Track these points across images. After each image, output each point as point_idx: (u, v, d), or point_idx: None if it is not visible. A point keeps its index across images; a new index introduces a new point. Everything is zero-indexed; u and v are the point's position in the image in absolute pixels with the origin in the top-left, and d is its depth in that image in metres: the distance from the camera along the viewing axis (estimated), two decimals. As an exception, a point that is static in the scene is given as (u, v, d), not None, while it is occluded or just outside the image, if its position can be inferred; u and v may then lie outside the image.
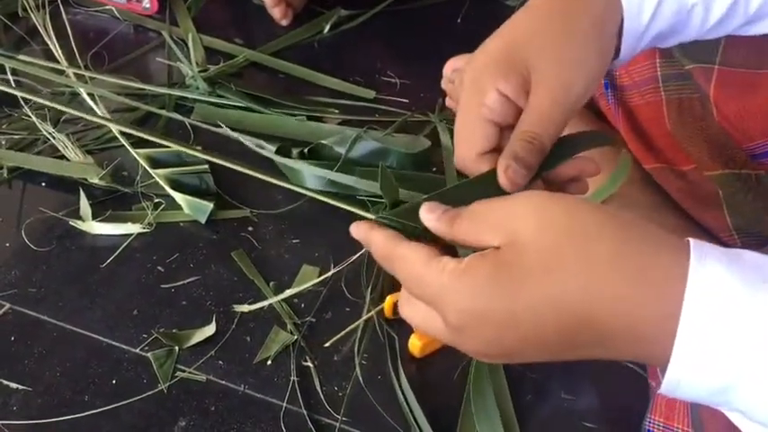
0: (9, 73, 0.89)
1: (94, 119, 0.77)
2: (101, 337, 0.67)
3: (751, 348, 0.33)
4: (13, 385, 0.63)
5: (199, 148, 0.81)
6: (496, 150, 0.47)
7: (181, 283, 0.71)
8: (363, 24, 1.06)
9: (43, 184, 0.80)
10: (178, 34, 1.00)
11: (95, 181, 0.78)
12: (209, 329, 0.67)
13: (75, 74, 0.87)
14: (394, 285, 0.71)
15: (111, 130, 0.83)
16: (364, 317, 0.69)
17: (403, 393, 0.64)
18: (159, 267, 0.72)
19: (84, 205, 0.75)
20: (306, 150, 0.82)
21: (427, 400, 0.64)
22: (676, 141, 0.67)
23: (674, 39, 0.54)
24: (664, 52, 0.67)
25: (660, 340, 0.34)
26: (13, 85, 0.87)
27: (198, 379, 0.64)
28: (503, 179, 0.45)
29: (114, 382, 0.64)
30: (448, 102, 0.84)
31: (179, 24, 1.02)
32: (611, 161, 0.71)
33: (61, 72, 0.88)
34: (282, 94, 0.92)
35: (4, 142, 0.83)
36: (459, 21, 1.09)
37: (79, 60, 0.90)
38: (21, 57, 0.91)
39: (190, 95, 0.89)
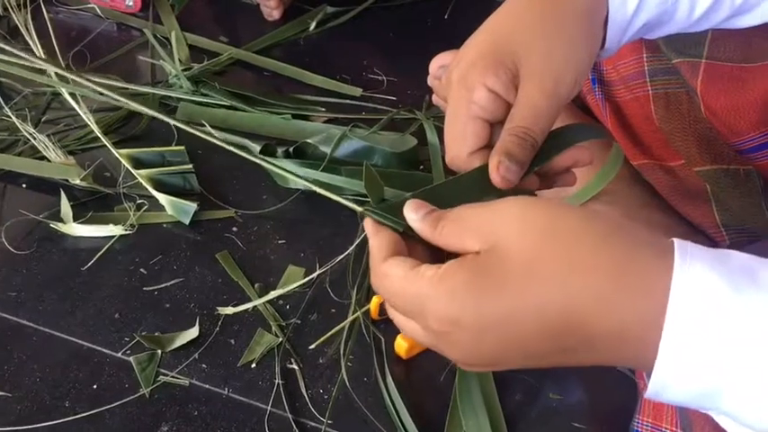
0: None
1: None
2: (82, 342, 0.66)
3: (737, 351, 0.32)
4: (-7, 391, 0.62)
5: (182, 147, 0.81)
6: (488, 147, 0.47)
7: (164, 285, 0.70)
8: (350, 21, 1.05)
9: (24, 185, 0.79)
10: (162, 32, 0.99)
11: (77, 182, 0.77)
12: (193, 332, 0.66)
13: (56, 73, 0.85)
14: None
15: (93, 130, 0.82)
16: (350, 318, 0.68)
17: (389, 395, 0.63)
18: (142, 269, 0.71)
19: (65, 207, 0.74)
20: (291, 149, 0.81)
21: (414, 402, 0.63)
22: (664, 137, 0.66)
23: (659, 30, 0.53)
24: (650, 47, 0.66)
25: (645, 344, 0.33)
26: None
27: (181, 383, 0.63)
28: (495, 177, 0.44)
29: (95, 386, 0.62)
30: (434, 99, 0.83)
31: (163, 22, 1.00)
32: (602, 155, 0.71)
33: (42, 72, 0.86)
34: (268, 93, 0.91)
35: (-16, 143, 0.82)
36: (446, 17, 1.08)
37: (60, 59, 0.88)
38: (1, 56, 0.90)
39: (173, 94, 0.88)
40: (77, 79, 0.84)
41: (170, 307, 0.68)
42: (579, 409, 0.64)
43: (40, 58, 0.81)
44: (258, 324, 0.68)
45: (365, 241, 0.55)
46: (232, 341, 0.66)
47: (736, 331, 0.32)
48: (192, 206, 0.74)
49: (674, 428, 0.51)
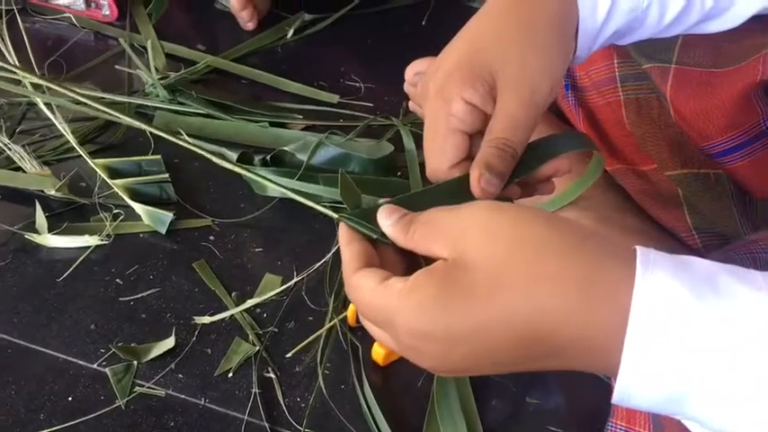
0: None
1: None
2: (57, 354, 0.65)
3: (699, 357, 0.33)
4: (-33, 405, 0.61)
5: (158, 156, 0.81)
6: (468, 159, 0.47)
7: (140, 295, 0.70)
8: (327, 28, 1.05)
9: (-2, 196, 0.78)
10: (139, 41, 0.99)
11: (52, 192, 0.77)
12: (169, 343, 0.65)
13: (31, 83, 0.85)
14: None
15: (69, 141, 0.81)
16: (327, 325, 0.68)
17: (366, 402, 0.63)
18: (118, 280, 0.71)
19: (41, 218, 0.74)
20: (268, 157, 0.81)
21: (392, 408, 0.63)
22: (636, 142, 0.67)
23: (630, 37, 0.54)
24: (621, 52, 0.67)
25: (610, 351, 0.34)
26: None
27: (157, 394, 0.63)
28: (476, 189, 0.45)
29: (71, 399, 0.62)
30: (411, 105, 0.84)
31: (140, 31, 1.00)
32: (581, 162, 0.71)
33: (18, 82, 0.86)
34: (245, 101, 0.91)
35: (-42, 155, 0.81)
36: (423, 23, 1.08)
37: (36, 69, 0.88)
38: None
39: (150, 103, 0.88)
40: (54, 88, 0.84)
41: (146, 317, 0.68)
42: (556, 413, 0.65)
43: (16, 68, 0.81)
44: (235, 333, 0.68)
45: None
46: (209, 350, 0.66)
47: (698, 337, 0.33)
48: (169, 215, 0.74)
49: (645, 431, 0.52)
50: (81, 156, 0.79)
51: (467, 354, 0.36)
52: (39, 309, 0.68)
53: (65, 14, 1.01)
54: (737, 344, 0.32)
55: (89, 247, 0.73)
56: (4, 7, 0.94)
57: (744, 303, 0.33)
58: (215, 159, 0.80)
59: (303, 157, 0.79)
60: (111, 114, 0.84)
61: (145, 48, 0.95)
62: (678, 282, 0.33)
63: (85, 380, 0.63)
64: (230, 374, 0.65)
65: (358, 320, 0.68)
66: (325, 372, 0.65)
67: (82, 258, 0.72)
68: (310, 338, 0.67)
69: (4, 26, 0.88)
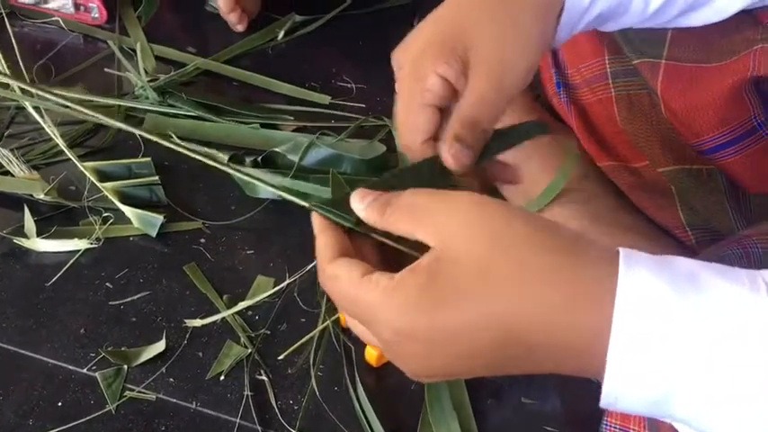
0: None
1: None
2: (46, 358, 0.64)
3: (684, 355, 0.32)
4: (-45, 412, 0.61)
5: (148, 159, 0.80)
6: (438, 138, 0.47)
7: (130, 299, 0.69)
8: (318, 30, 1.05)
9: (-13, 201, 0.78)
10: (129, 44, 0.98)
11: (41, 196, 0.76)
12: (159, 346, 0.65)
13: (20, 87, 0.84)
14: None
15: (58, 144, 0.81)
16: (319, 327, 0.68)
17: (360, 404, 0.63)
18: (108, 284, 0.70)
19: (29, 222, 0.73)
20: (259, 159, 0.81)
21: (385, 410, 0.62)
22: (628, 138, 0.66)
23: (613, 23, 0.53)
24: (612, 49, 0.66)
25: (595, 353, 0.33)
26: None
27: (148, 398, 0.62)
28: (448, 159, 0.44)
29: (60, 404, 0.61)
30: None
31: (129, 34, 1.00)
32: (561, 155, 0.71)
33: (6, 86, 0.85)
34: (236, 102, 0.91)
35: (-54, 160, 0.81)
36: (414, 22, 1.08)
37: (25, 73, 0.87)
38: (-36, 71, 0.89)
39: (139, 106, 0.87)
40: (41, 93, 0.83)
41: (137, 321, 0.68)
42: (551, 413, 0.64)
43: (3, 73, 0.80)
44: (227, 336, 0.67)
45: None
46: (200, 354, 0.66)
47: (682, 334, 0.32)
48: (159, 218, 0.74)
49: (640, 430, 0.51)
50: (70, 159, 0.78)
51: (447, 355, 0.36)
52: (28, 314, 0.68)
53: (54, 18, 1.00)
54: (720, 339, 0.32)
55: (78, 250, 0.72)
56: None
57: (725, 298, 0.32)
58: (206, 161, 0.80)
59: (294, 158, 0.79)
60: (99, 118, 0.83)
61: (134, 50, 0.95)
62: (660, 280, 0.33)
63: (75, 385, 0.63)
64: (222, 377, 0.64)
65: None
66: (318, 374, 0.65)
67: (71, 262, 0.71)
68: (303, 340, 0.66)
69: (-7, 30, 0.88)
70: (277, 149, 0.80)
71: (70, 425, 0.60)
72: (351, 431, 0.61)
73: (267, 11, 1.06)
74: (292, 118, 0.89)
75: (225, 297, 0.70)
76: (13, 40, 0.86)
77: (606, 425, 0.53)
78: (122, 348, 0.65)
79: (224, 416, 0.61)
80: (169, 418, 0.61)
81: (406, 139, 0.47)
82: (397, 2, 1.11)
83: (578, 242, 0.35)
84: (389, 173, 0.47)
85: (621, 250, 0.34)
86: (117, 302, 0.69)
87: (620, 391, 0.33)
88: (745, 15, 0.56)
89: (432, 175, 0.45)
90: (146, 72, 0.90)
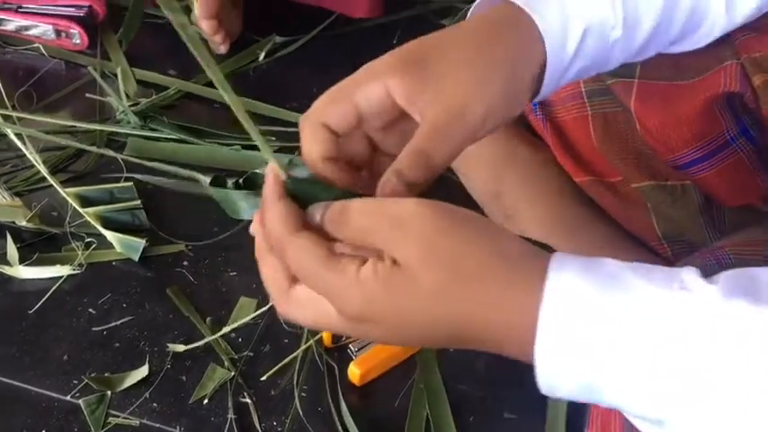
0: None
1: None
2: (29, 386, 0.65)
3: (607, 348, 0.35)
4: (-63, 442, 0.61)
5: (130, 183, 0.80)
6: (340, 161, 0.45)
7: (113, 324, 0.69)
8: (299, 50, 1.05)
9: (-31, 229, 0.78)
10: (110, 68, 0.98)
11: (23, 223, 0.76)
12: (142, 371, 0.65)
13: (1, 114, 0.85)
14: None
15: (40, 171, 0.81)
16: (303, 347, 0.68)
17: (343, 424, 0.63)
18: (91, 309, 0.70)
19: (12, 249, 0.73)
20: (241, 180, 0.81)
21: (369, 428, 0.63)
22: (604, 155, 0.67)
23: (596, 71, 0.53)
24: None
25: (529, 347, 0.36)
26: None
27: (131, 423, 0.62)
28: (378, 192, 0.43)
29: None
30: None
31: (111, 58, 1.00)
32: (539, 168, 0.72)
33: (-12, 114, 0.86)
34: (218, 125, 0.91)
35: (-72, 188, 0.81)
36: (394, 42, 1.09)
37: (6, 100, 0.88)
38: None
39: (121, 130, 0.88)
40: (27, 117, 0.84)
41: (120, 346, 0.68)
42: (534, 428, 0.65)
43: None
44: (210, 359, 0.67)
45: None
46: (183, 377, 0.66)
47: (603, 330, 0.35)
48: (141, 242, 0.74)
49: (619, 442, 0.52)
50: (52, 185, 0.78)
51: (406, 336, 0.40)
52: (10, 341, 0.68)
53: (35, 45, 1.01)
54: (637, 332, 0.35)
55: (61, 277, 0.72)
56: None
57: (643, 295, 0.35)
58: (187, 186, 0.81)
59: (275, 179, 0.79)
60: (80, 144, 0.84)
61: (116, 75, 0.95)
62: (584, 281, 0.36)
63: (59, 412, 0.63)
64: (205, 401, 0.64)
65: (334, 341, 0.68)
66: (302, 394, 0.65)
67: (54, 289, 0.72)
68: (285, 361, 0.66)
69: (-26, 58, 0.88)
70: (258, 170, 0.80)
71: (54, 452, 0.60)
72: (335, 451, 0.61)
73: (248, 32, 1.07)
74: (274, 138, 0.90)
75: (208, 319, 0.70)
76: (-5, 68, 0.87)
77: (586, 439, 0.54)
78: (106, 374, 0.65)
79: (208, 439, 0.62)
80: (153, 443, 0.61)
81: (306, 148, 0.46)
82: (377, 21, 1.12)
83: (520, 252, 0.38)
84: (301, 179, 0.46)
85: (554, 255, 0.38)
86: (100, 328, 0.69)
87: (552, 382, 0.37)
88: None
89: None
90: (127, 96, 0.91)
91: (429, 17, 1.15)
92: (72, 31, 1.00)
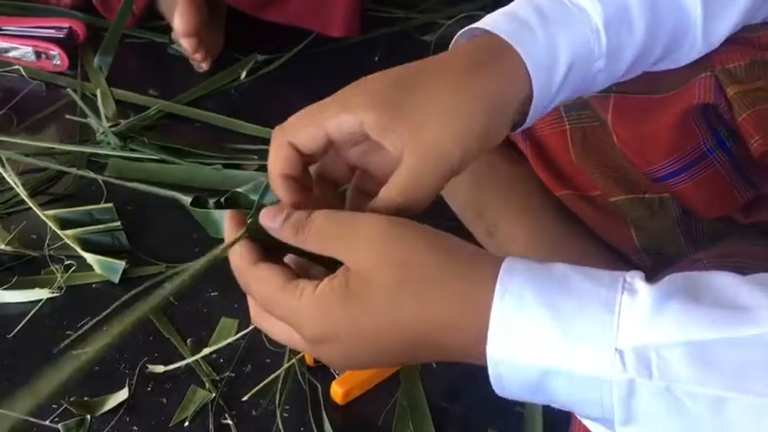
0: None
1: None
2: (7, 412, 0.63)
3: (553, 348, 0.36)
4: None
5: (110, 204, 0.80)
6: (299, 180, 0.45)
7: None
8: (280, 68, 1.06)
9: (-53, 253, 0.77)
10: (90, 89, 0.98)
11: (2, 246, 0.76)
12: (122, 395, 0.64)
13: (-20, 137, 0.84)
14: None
15: (19, 193, 0.81)
16: (284, 366, 0.67)
17: (326, 443, 0.62)
18: (70, 332, 0.70)
19: (-11, 273, 0.72)
20: (222, 199, 0.81)
21: (352, 448, 0.62)
22: (582, 169, 0.67)
23: (577, 96, 0.53)
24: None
25: (480, 349, 0.38)
26: None
27: (111, 448, 0.62)
28: None
29: (22, 458, 0.61)
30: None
31: (91, 79, 1.00)
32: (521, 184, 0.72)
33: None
34: (199, 144, 0.91)
35: None
36: (376, 59, 1.09)
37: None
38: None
39: (101, 151, 0.88)
40: (6, 140, 0.83)
41: (100, 369, 0.67)
42: (518, 444, 0.64)
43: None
44: (191, 380, 0.67)
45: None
46: (164, 400, 0.65)
47: (551, 329, 0.37)
48: (121, 264, 0.74)
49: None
50: (32, 208, 0.78)
51: (368, 353, 0.41)
52: (-12, 366, 0.67)
53: (15, 66, 1.00)
54: (578, 331, 0.36)
55: (40, 300, 0.72)
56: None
57: (586, 296, 0.37)
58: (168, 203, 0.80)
59: (256, 197, 0.79)
60: (60, 166, 0.84)
61: (96, 96, 0.95)
62: (533, 282, 0.38)
63: (37, 438, 0.62)
64: (186, 423, 0.64)
65: (316, 360, 0.68)
66: (284, 414, 0.65)
67: (33, 312, 0.71)
68: (267, 380, 0.66)
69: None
70: (239, 189, 0.80)
71: (32, 479, 0.59)
72: (318, 472, 0.61)
73: (230, 50, 1.07)
74: (256, 157, 0.90)
75: (189, 341, 0.70)
76: (-26, 91, 0.87)
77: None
78: (85, 398, 0.65)
79: (189, 462, 0.61)
80: (133, 467, 0.60)
81: (269, 159, 0.45)
82: (359, 38, 1.12)
83: (472, 257, 0.40)
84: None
85: (506, 258, 0.39)
86: (79, 351, 0.68)
87: (503, 381, 0.38)
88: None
89: None
90: (107, 117, 0.91)
91: (411, 33, 1.16)
92: (52, 52, 1.00)
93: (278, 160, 0.44)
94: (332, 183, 0.48)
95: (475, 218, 0.76)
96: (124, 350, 0.69)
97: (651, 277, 0.39)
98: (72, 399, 0.64)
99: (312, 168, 0.47)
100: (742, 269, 0.53)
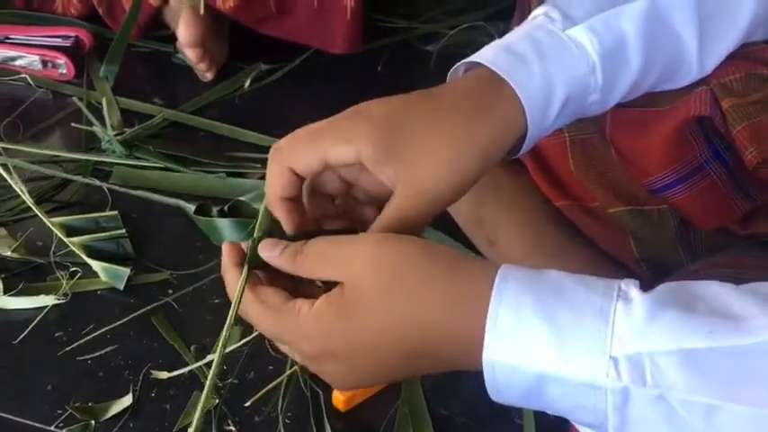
0: None
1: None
2: (13, 417, 0.64)
3: (547, 353, 0.37)
4: None
5: (115, 212, 0.81)
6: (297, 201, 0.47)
7: (98, 353, 0.70)
8: (284, 77, 1.07)
9: (-46, 259, 0.78)
10: (96, 98, 0.99)
11: (8, 253, 0.77)
12: (126, 400, 0.65)
13: (-13, 145, 0.86)
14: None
15: (25, 200, 0.81)
16: (287, 373, 0.68)
17: (328, 450, 0.63)
18: (75, 339, 0.71)
19: (-4, 280, 0.73)
20: (226, 208, 0.82)
21: (354, 455, 0.63)
22: (581, 180, 0.68)
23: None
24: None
25: (475, 352, 0.39)
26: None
27: (115, 453, 0.62)
28: None
29: (27, 463, 0.61)
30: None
31: (96, 88, 1.01)
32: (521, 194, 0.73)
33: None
34: (203, 152, 0.92)
35: None
36: (379, 68, 1.10)
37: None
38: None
39: (106, 159, 0.89)
40: (13, 147, 0.84)
41: (104, 375, 0.68)
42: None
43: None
44: (195, 386, 0.67)
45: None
46: (168, 406, 0.66)
47: (546, 335, 0.37)
48: (126, 271, 0.74)
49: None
50: (38, 215, 0.79)
51: (366, 367, 0.42)
52: (-6, 372, 0.68)
53: (21, 75, 1.02)
54: (573, 337, 0.37)
55: (46, 306, 0.73)
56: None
57: (580, 303, 0.38)
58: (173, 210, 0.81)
59: (259, 205, 0.80)
60: (66, 174, 0.85)
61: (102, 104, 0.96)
62: (527, 290, 0.38)
63: (42, 443, 0.63)
64: (190, 430, 0.64)
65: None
66: (286, 420, 0.65)
67: (38, 319, 0.72)
68: (269, 387, 0.67)
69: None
70: (242, 198, 0.81)
71: (37, 484, 0.60)
72: (319, 478, 0.62)
73: (234, 60, 1.08)
74: (259, 166, 0.91)
75: (193, 347, 0.71)
76: (-19, 99, 0.88)
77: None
78: (90, 404, 0.65)
79: (192, 468, 0.62)
80: (136, 472, 0.61)
81: (267, 181, 0.47)
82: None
83: (465, 265, 0.41)
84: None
85: (502, 266, 0.40)
86: (84, 357, 0.69)
87: (498, 387, 0.39)
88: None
89: None
90: (112, 126, 0.92)
91: (413, 43, 1.17)
92: (58, 61, 1.01)
93: (278, 185, 0.46)
94: (325, 195, 0.50)
95: (476, 228, 0.77)
96: (128, 357, 0.70)
97: (648, 287, 0.40)
98: (76, 404, 0.65)
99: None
100: (739, 280, 0.54)
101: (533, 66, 0.47)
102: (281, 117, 1.00)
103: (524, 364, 0.38)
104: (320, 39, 1.04)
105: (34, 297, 0.73)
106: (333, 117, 0.47)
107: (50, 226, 0.78)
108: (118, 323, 0.72)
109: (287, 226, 0.47)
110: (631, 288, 0.38)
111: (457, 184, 0.45)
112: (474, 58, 0.49)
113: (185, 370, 0.68)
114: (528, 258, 0.72)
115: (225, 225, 0.80)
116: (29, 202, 0.79)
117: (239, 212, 0.82)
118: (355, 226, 0.49)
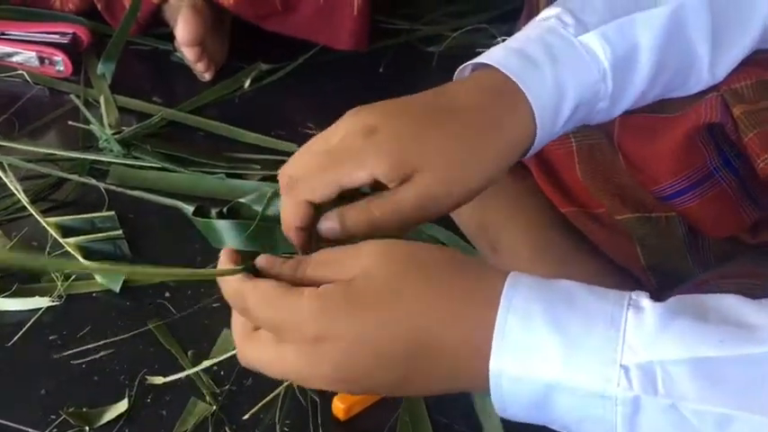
0: None
1: None
2: (6, 422, 0.63)
3: (556, 365, 0.36)
4: None
5: (112, 212, 0.80)
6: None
7: (92, 357, 0.68)
8: (284, 78, 1.06)
9: (-53, 259, 0.76)
10: (94, 96, 0.98)
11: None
12: (122, 406, 0.64)
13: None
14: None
15: (20, 199, 0.80)
16: (286, 381, 0.67)
17: (327, 460, 0.62)
18: (70, 342, 0.69)
19: (-10, 280, 0.72)
20: (224, 209, 0.81)
21: (354, 465, 0.62)
22: (587, 187, 0.67)
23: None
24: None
25: (482, 360, 0.38)
26: None
27: (109, 460, 0.61)
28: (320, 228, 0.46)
29: (19, 469, 0.60)
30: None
31: (94, 86, 1.00)
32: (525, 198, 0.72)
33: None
34: (202, 153, 0.91)
35: None
36: (380, 70, 1.09)
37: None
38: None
39: (104, 158, 0.87)
40: (8, 145, 0.83)
41: (99, 379, 0.66)
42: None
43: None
44: (191, 392, 0.66)
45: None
46: (164, 412, 0.64)
47: (556, 345, 0.36)
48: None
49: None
50: (33, 214, 0.77)
51: (367, 358, 0.39)
52: (-14, 376, 0.66)
53: (18, 71, 1.00)
54: (584, 348, 0.36)
55: (40, 308, 0.71)
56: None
57: (591, 312, 0.37)
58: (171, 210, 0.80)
59: (259, 207, 0.79)
60: (62, 173, 0.83)
61: (99, 102, 0.95)
62: (537, 297, 0.38)
63: (35, 449, 0.61)
64: (186, 436, 0.63)
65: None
66: (285, 429, 0.64)
67: (32, 321, 0.70)
68: (268, 398, 0.65)
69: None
70: (242, 200, 0.80)
71: (29, 491, 0.58)
72: (318, 488, 0.60)
73: (234, 59, 1.07)
74: (259, 167, 0.90)
75: (190, 352, 0.69)
76: (-24, 95, 0.86)
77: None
78: (84, 409, 0.64)
79: (188, 477, 0.60)
80: (131, 480, 0.60)
81: (283, 212, 0.48)
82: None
83: (475, 267, 0.41)
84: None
85: (510, 273, 0.39)
86: (79, 361, 0.68)
87: (504, 398, 0.38)
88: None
89: None
90: (110, 125, 0.90)
91: (416, 44, 1.16)
92: (56, 58, 1.00)
93: (297, 219, 0.46)
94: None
95: (479, 233, 0.76)
96: (124, 361, 0.68)
97: (657, 297, 0.39)
98: (71, 409, 0.64)
99: None
100: (750, 290, 0.53)
101: (545, 70, 0.47)
102: (282, 117, 0.99)
103: (532, 373, 0.37)
104: (326, 35, 1.03)
105: (28, 299, 0.71)
106: (337, 131, 0.47)
107: (46, 226, 0.76)
108: (114, 326, 0.71)
109: (304, 251, 0.47)
110: (642, 298, 0.38)
111: (460, 200, 0.46)
112: (483, 59, 0.49)
113: (182, 375, 0.66)
114: (532, 264, 0.71)
115: (224, 227, 0.79)
116: (24, 201, 0.78)
117: (238, 214, 0.81)
118: None
